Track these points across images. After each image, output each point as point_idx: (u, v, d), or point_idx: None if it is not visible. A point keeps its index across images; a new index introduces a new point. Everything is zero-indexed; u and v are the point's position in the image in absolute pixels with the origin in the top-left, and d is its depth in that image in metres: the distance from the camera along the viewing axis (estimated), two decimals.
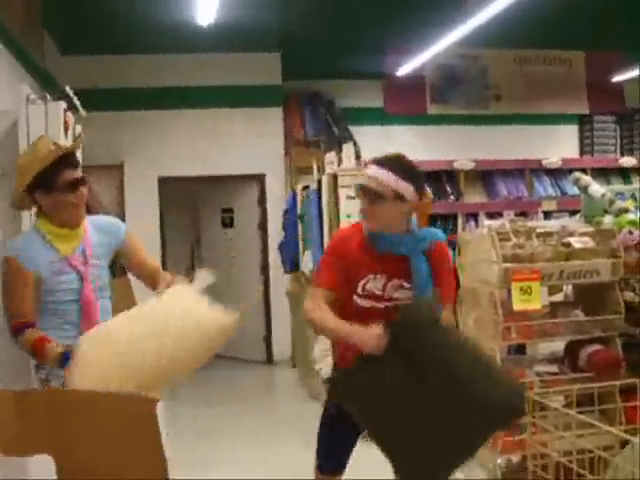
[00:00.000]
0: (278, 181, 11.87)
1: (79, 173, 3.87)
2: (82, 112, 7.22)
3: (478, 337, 5.26)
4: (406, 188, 3.81)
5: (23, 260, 3.75)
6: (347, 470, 4.02)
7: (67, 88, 6.66)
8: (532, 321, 5.22)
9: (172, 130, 11.40)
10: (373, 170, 3.88)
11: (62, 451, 2.32)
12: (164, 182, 11.57)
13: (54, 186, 3.76)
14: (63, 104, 5.82)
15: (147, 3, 9.46)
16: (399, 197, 3.80)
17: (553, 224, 5.58)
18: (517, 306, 4.90)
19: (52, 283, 3.81)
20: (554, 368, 5.60)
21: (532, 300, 4.90)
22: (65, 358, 3.43)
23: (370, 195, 3.84)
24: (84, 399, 2.78)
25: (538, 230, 5.30)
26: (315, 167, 9.46)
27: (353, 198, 6.71)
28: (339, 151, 8.93)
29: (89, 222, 4.01)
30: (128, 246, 4.10)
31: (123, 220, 10.81)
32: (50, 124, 5.55)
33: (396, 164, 3.93)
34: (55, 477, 2.15)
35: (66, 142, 5.86)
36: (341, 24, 10.51)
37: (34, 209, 4.07)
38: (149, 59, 11.38)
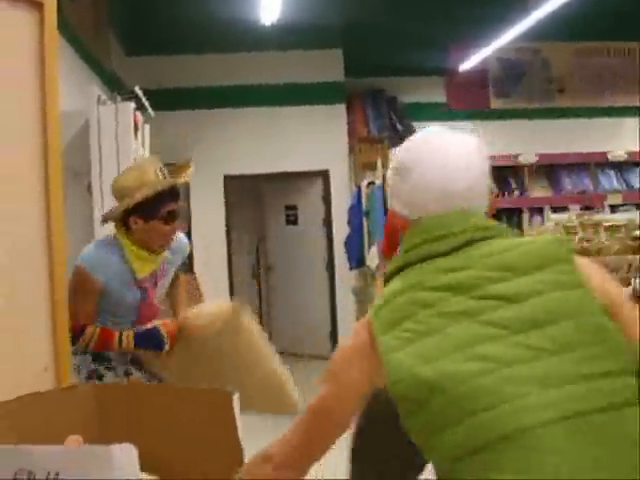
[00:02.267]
0: (342, 177, 11.89)
1: (179, 205, 3.95)
2: (151, 112, 7.33)
3: None
4: None
5: (94, 270, 3.82)
6: None
7: (136, 88, 6.77)
8: None
9: (237, 128, 11.46)
10: None
11: (142, 443, 2.36)
12: (229, 180, 11.66)
13: (155, 215, 3.82)
14: (132, 104, 5.92)
15: (211, 3, 9.58)
16: None
17: (620, 217, 5.54)
18: None
19: (117, 297, 3.90)
20: None
21: None
22: (139, 335, 3.68)
23: None
24: (163, 392, 2.84)
25: (605, 224, 5.27)
26: (379, 163, 9.49)
27: None
28: None
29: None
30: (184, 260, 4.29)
31: (189, 219, 11.13)
32: (120, 124, 5.65)
33: None
34: (138, 466, 2.19)
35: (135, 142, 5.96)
36: (403, 20, 10.49)
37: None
38: (213, 58, 11.46)
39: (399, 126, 12.42)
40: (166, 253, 4.03)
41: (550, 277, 1.94)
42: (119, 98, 5.96)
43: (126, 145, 5.63)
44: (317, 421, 2.11)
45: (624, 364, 1.83)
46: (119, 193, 3.87)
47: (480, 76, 12.83)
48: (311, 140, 11.65)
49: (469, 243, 2.05)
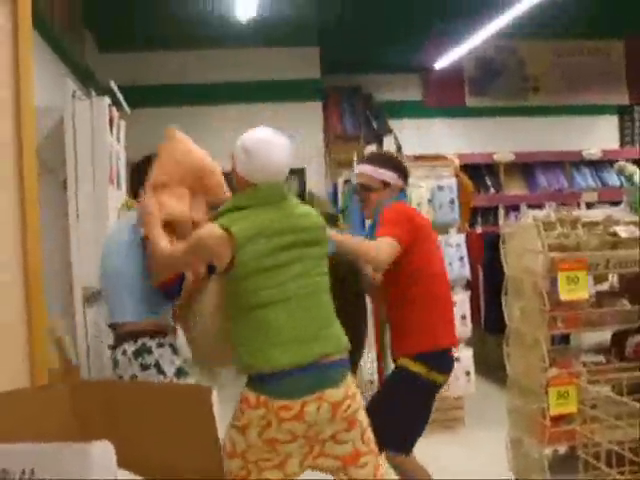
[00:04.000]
0: (318, 175, 11.84)
1: None
2: (127, 109, 7.26)
3: (523, 327, 5.26)
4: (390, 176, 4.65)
5: None
6: None
7: (112, 83, 6.69)
8: (578, 310, 5.18)
9: (212, 125, 11.33)
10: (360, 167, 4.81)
11: (120, 440, 2.33)
12: None
13: None
14: (107, 99, 5.84)
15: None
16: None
17: (598, 213, 5.53)
18: (564, 296, 4.85)
19: None
20: (600, 358, 5.57)
21: (579, 290, 4.86)
22: None
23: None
24: (139, 389, 2.78)
25: (583, 219, 5.26)
26: (355, 161, 9.44)
27: None
28: (379, 145, 8.91)
29: None
30: None
31: None
32: (95, 119, 5.57)
33: (376, 157, 5.01)
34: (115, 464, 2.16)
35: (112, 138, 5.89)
36: (379, 18, 10.52)
37: None
38: (188, 55, 11.38)
39: (374, 123, 12.39)
40: None
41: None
42: (94, 93, 5.89)
43: (101, 140, 5.55)
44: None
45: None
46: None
47: (456, 74, 12.83)
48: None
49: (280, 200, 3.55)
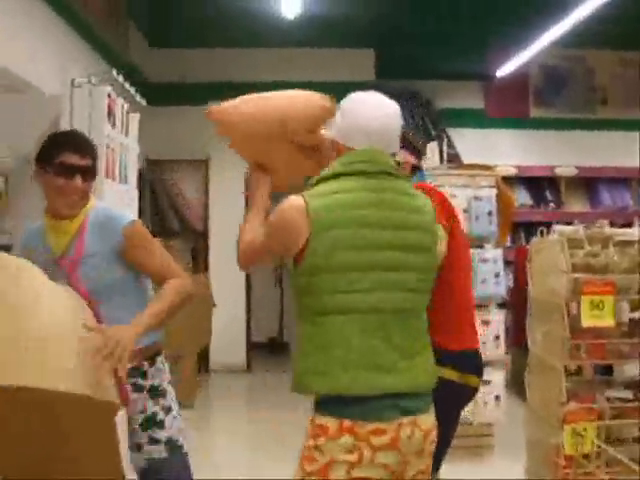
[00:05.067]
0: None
1: (85, 162, 3.42)
2: (141, 101, 6.94)
3: (545, 353, 4.78)
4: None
5: (20, 253, 3.42)
6: None
7: (114, 72, 6.31)
8: (605, 339, 4.66)
9: None
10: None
11: (25, 447, 2.40)
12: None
13: (48, 164, 3.39)
14: (108, 88, 5.49)
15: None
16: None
17: (635, 232, 4.98)
18: (586, 322, 4.36)
19: None
20: (628, 394, 5.00)
21: (604, 316, 4.36)
22: None
23: None
24: (47, 398, 2.60)
25: (616, 238, 4.74)
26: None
27: None
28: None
29: (92, 215, 3.50)
30: (125, 245, 3.44)
31: (206, 216, 10.82)
32: (93, 108, 5.25)
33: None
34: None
35: (112, 129, 5.56)
36: (439, 21, 10.08)
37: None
38: (236, 52, 11.14)
39: (432, 131, 11.93)
40: (87, 226, 3.45)
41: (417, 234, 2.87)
42: (94, 80, 5.54)
43: (99, 130, 5.22)
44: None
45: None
46: None
47: (520, 83, 12.26)
48: None
49: (383, 173, 2.87)
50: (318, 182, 2.86)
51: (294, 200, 2.79)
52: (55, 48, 5.98)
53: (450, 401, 3.88)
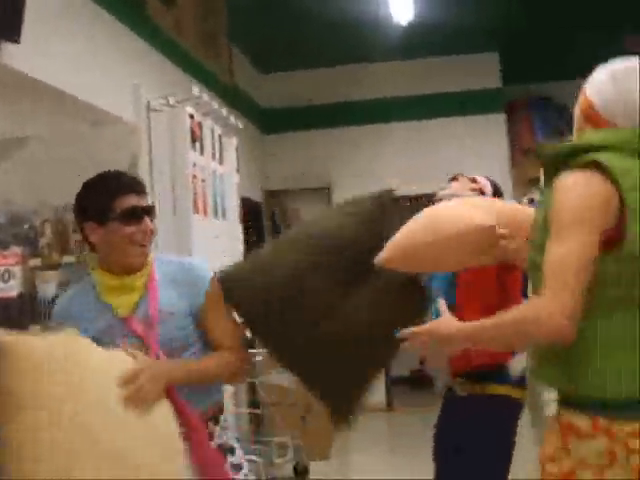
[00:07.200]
0: (504, 194, 10.66)
1: (145, 200, 3.01)
2: (238, 124, 6.36)
3: None
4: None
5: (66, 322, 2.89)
6: None
7: (195, 90, 5.65)
8: None
9: (382, 146, 10.47)
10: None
11: None
12: None
13: (109, 214, 2.92)
14: (189, 109, 4.89)
15: (341, 10, 8.81)
16: None
17: None
18: None
19: None
20: None
21: None
22: None
23: None
24: None
25: None
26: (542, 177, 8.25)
27: None
28: None
29: (157, 265, 3.04)
30: (205, 307, 3.02)
31: None
32: (174, 133, 4.66)
33: None
34: None
35: (195, 154, 4.98)
36: (569, 19, 9.45)
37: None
38: (347, 71, 10.65)
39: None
40: (157, 280, 2.98)
41: None
42: (171, 101, 4.95)
43: (182, 158, 4.62)
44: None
45: None
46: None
47: None
48: (466, 154, 10.07)
49: None
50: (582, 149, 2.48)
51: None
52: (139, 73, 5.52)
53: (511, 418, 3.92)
